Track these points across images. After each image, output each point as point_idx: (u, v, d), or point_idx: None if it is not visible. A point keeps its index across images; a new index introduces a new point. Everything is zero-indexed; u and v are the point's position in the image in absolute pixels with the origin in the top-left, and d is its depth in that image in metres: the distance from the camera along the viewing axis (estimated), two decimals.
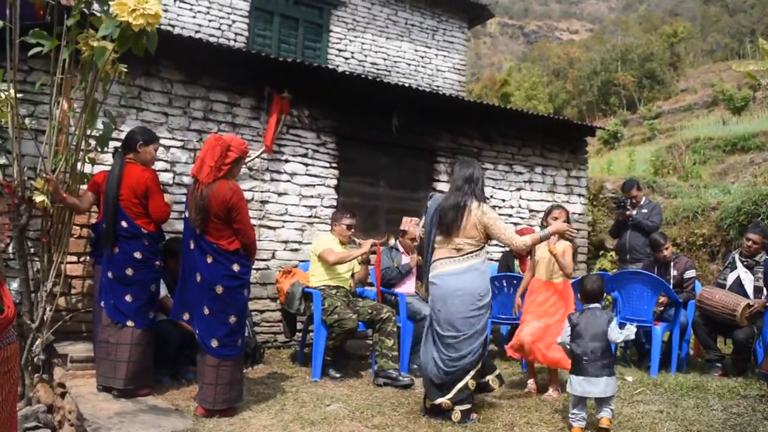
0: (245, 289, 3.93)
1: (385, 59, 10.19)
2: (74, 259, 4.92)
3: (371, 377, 4.96)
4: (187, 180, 5.30)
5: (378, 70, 10.04)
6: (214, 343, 3.77)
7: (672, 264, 5.96)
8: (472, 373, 3.84)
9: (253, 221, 4.39)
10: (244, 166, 4.92)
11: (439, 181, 7.08)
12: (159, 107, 5.46)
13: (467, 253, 3.88)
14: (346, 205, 6.19)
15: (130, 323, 4.01)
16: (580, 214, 8.05)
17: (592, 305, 3.84)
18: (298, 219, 6.15)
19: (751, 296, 5.42)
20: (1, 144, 4.25)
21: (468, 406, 3.82)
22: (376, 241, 5.46)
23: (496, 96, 40.68)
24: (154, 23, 3.65)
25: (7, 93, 4.02)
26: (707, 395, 4.55)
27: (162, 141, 5.14)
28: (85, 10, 4.03)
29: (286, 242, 6.07)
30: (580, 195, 8.12)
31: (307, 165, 6.23)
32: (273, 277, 5.83)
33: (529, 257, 5.06)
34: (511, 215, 7.51)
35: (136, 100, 5.35)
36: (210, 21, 8.81)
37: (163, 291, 4.52)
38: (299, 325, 5.52)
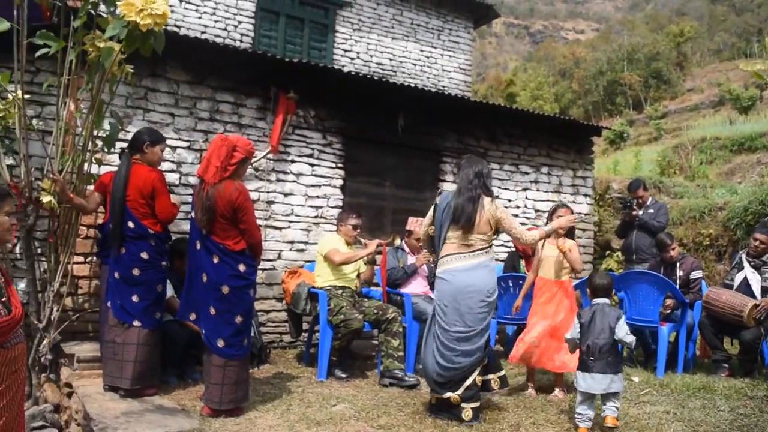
0: (251, 289, 3.94)
1: (390, 59, 10.20)
2: (81, 259, 4.95)
3: (377, 377, 4.97)
4: (193, 180, 5.31)
5: (384, 70, 10.04)
6: (221, 343, 3.79)
7: (678, 264, 5.93)
8: (478, 369, 3.86)
9: (259, 221, 4.40)
10: (250, 166, 4.92)
11: (445, 181, 7.07)
12: (165, 108, 5.48)
13: (477, 250, 3.88)
14: (352, 205, 6.20)
15: (136, 323, 4.03)
16: (586, 215, 8.03)
17: (601, 300, 3.84)
18: (304, 219, 6.15)
19: (759, 297, 5.39)
20: (8, 145, 4.27)
21: (477, 404, 3.83)
22: (382, 241, 5.45)
23: (502, 96, 40.55)
24: (162, 23, 3.66)
25: (14, 94, 4.04)
26: (714, 396, 4.53)
27: (168, 141, 5.17)
28: (92, 11, 4.04)
29: (292, 242, 6.08)
30: (586, 195, 8.10)
31: (313, 165, 6.24)
32: (279, 277, 5.84)
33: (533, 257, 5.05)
34: (517, 215, 7.48)
35: (142, 101, 5.37)
36: (216, 22, 8.83)
37: (170, 291, 4.53)
38: (305, 326, 5.53)
